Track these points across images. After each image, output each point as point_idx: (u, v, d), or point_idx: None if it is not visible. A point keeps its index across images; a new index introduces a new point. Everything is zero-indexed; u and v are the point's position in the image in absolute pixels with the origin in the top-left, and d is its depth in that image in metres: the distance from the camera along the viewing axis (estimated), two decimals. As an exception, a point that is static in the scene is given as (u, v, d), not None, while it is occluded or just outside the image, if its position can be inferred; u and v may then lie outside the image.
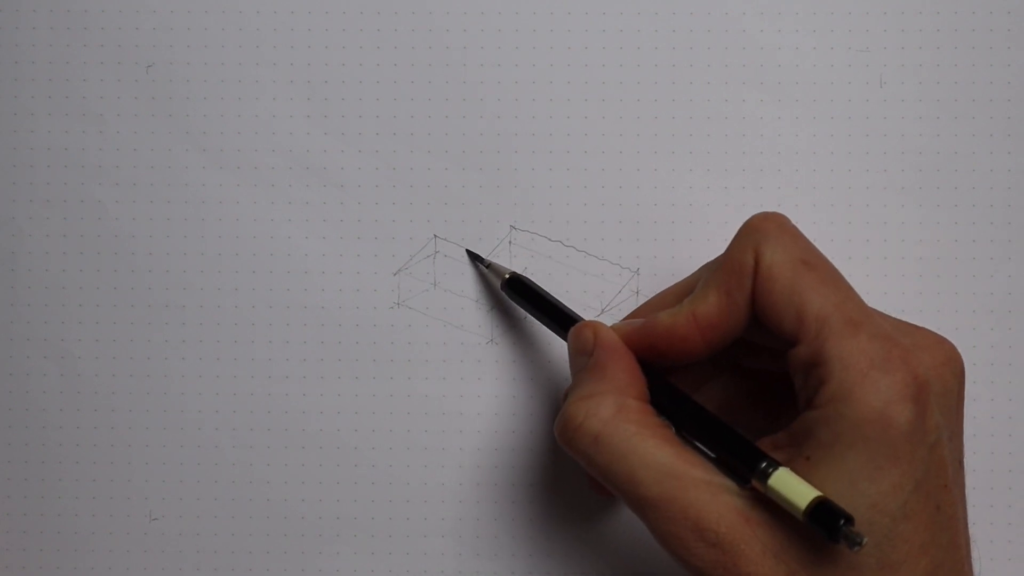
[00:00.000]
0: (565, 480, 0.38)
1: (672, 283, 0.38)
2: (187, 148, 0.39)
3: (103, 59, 0.39)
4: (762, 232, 0.31)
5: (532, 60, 0.39)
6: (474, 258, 0.38)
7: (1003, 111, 0.38)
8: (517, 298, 0.37)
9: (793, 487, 0.27)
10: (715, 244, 0.38)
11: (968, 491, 0.38)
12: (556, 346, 0.38)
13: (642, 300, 0.38)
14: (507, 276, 0.37)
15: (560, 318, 0.35)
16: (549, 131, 0.39)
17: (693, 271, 0.38)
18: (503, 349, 0.39)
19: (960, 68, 0.39)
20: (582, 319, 0.35)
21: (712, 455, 0.30)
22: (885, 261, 0.38)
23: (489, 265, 0.38)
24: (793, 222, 0.31)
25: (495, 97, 0.39)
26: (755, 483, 0.28)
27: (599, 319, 0.38)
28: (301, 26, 0.39)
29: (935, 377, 0.29)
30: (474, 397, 0.39)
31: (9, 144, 0.39)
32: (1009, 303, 0.38)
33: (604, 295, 0.39)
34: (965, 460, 0.31)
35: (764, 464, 0.28)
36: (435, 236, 0.39)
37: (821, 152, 0.39)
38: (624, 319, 0.35)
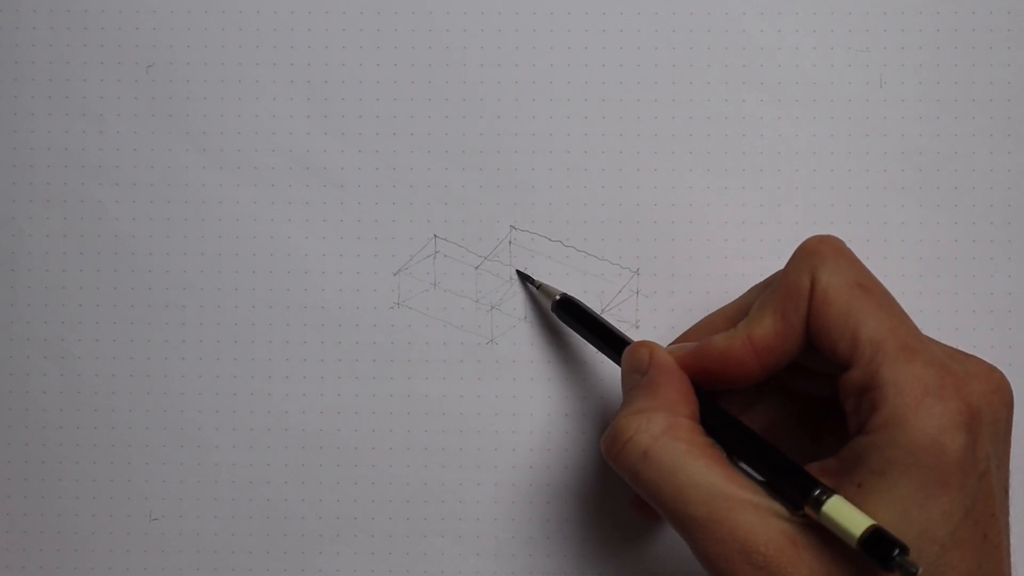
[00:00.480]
0: (565, 480, 0.38)
1: (672, 283, 0.38)
2: (187, 148, 0.39)
3: (103, 59, 0.39)
4: (818, 255, 0.31)
5: (532, 60, 0.39)
6: (524, 279, 0.38)
7: (1003, 111, 0.38)
8: (568, 319, 0.37)
9: (847, 515, 0.27)
10: (715, 244, 0.38)
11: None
12: (556, 347, 0.39)
13: (642, 300, 0.38)
14: (558, 297, 0.37)
15: (612, 339, 0.35)
16: (549, 131, 0.39)
17: (694, 272, 0.38)
18: (503, 349, 0.39)
19: (960, 68, 0.39)
20: (632, 340, 0.35)
21: (761, 479, 0.30)
22: (885, 261, 0.38)
23: (539, 286, 0.38)
24: (848, 245, 0.31)
25: (495, 97, 0.39)
26: (808, 510, 0.28)
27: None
28: (301, 26, 0.39)
29: (986, 406, 0.29)
30: (474, 397, 0.39)
31: (9, 144, 0.39)
32: (1009, 303, 0.38)
33: (604, 295, 0.39)
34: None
35: (817, 491, 0.28)
36: (435, 236, 0.39)
37: (821, 152, 0.39)
38: (673, 342, 0.35)
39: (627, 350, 0.34)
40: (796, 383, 0.34)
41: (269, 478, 0.39)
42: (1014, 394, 0.36)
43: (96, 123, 0.39)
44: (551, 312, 0.37)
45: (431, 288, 0.39)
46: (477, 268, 0.39)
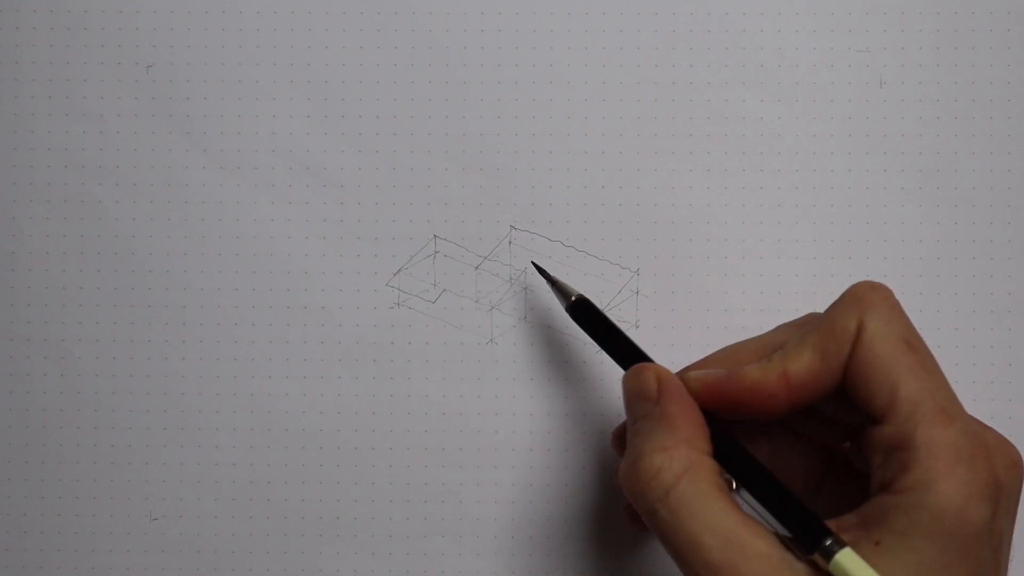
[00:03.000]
0: (565, 480, 0.38)
1: (672, 283, 0.38)
2: (187, 148, 0.39)
3: (103, 59, 0.39)
4: (869, 303, 0.30)
5: (532, 60, 0.39)
6: (541, 273, 0.38)
7: (1003, 111, 0.38)
8: (582, 322, 0.36)
9: (858, 570, 0.27)
10: (715, 244, 0.38)
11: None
12: (556, 346, 0.39)
13: (642, 300, 0.38)
14: (573, 299, 0.36)
15: (625, 350, 0.34)
16: (549, 131, 0.39)
17: (694, 272, 0.38)
18: (503, 349, 0.39)
19: (960, 68, 0.39)
20: (645, 354, 0.34)
21: (772, 520, 0.30)
22: (885, 261, 0.38)
23: (555, 283, 0.37)
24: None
25: (495, 97, 0.39)
26: (816, 557, 0.28)
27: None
28: (301, 26, 0.39)
29: (1007, 480, 0.29)
30: (474, 397, 0.39)
31: (9, 144, 0.39)
32: (1009, 303, 0.38)
33: (604, 295, 0.39)
34: None
35: (829, 542, 0.28)
36: (435, 236, 0.39)
37: (821, 152, 0.39)
38: (687, 368, 0.34)
39: (631, 372, 0.33)
40: (806, 425, 0.33)
41: (269, 478, 0.39)
42: (1006, 389, 0.36)
43: (96, 123, 0.39)
44: (565, 312, 0.37)
45: (431, 288, 0.39)
46: (477, 268, 0.39)
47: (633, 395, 0.33)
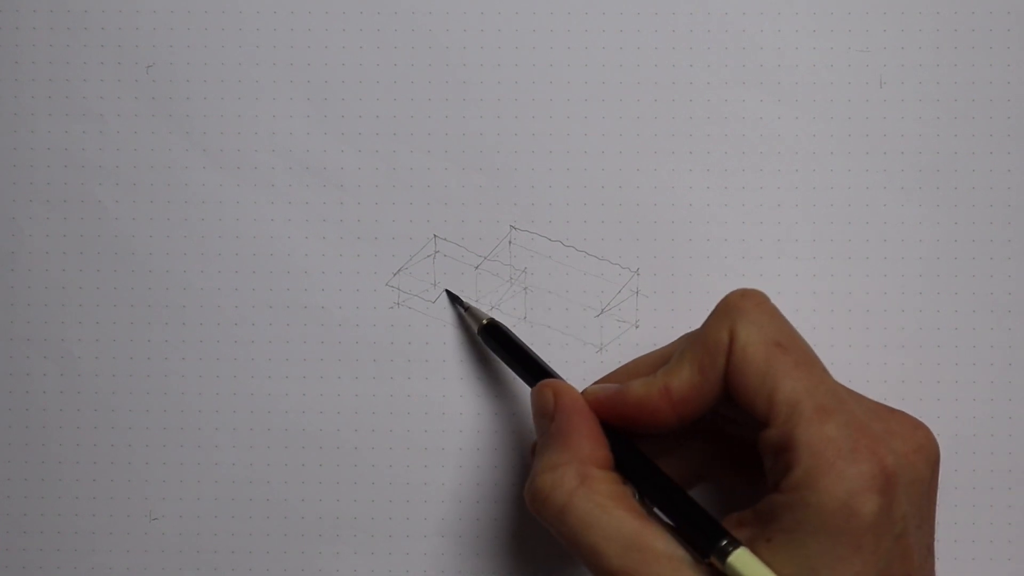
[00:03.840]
0: (565, 480, 0.38)
1: (672, 284, 0.38)
2: (187, 148, 0.39)
3: (103, 59, 0.39)
4: (738, 310, 0.31)
5: (532, 60, 0.39)
6: (453, 299, 0.38)
7: (1003, 111, 0.38)
8: (493, 344, 0.37)
9: (751, 568, 0.28)
10: (715, 244, 0.38)
11: (968, 491, 0.38)
12: (555, 346, 0.39)
13: (642, 300, 0.38)
14: (484, 322, 0.37)
15: (533, 370, 0.35)
16: (549, 131, 0.39)
17: (694, 272, 0.38)
18: (503, 349, 0.39)
19: (960, 68, 0.39)
20: (556, 373, 0.35)
21: (672, 525, 0.30)
22: (885, 261, 0.38)
23: (468, 308, 0.38)
24: (771, 300, 0.31)
25: (495, 97, 0.39)
26: (713, 560, 0.28)
27: (599, 319, 0.38)
28: (301, 26, 0.39)
29: (905, 465, 0.29)
30: (474, 397, 0.39)
31: (9, 144, 0.39)
32: (1009, 303, 0.38)
33: (604, 295, 0.39)
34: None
35: (724, 542, 0.28)
36: (435, 236, 0.39)
37: (821, 152, 0.39)
38: (597, 382, 0.35)
39: (532, 392, 0.33)
40: (728, 426, 0.34)
41: (269, 478, 0.39)
42: (1006, 389, 0.36)
43: (96, 123, 0.39)
44: (477, 336, 0.37)
45: (431, 288, 0.39)
46: (477, 268, 0.39)
47: (535, 413, 0.33)
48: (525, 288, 0.39)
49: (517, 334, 0.38)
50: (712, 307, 0.38)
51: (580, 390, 0.33)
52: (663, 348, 0.34)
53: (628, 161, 0.39)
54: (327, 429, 0.39)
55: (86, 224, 0.39)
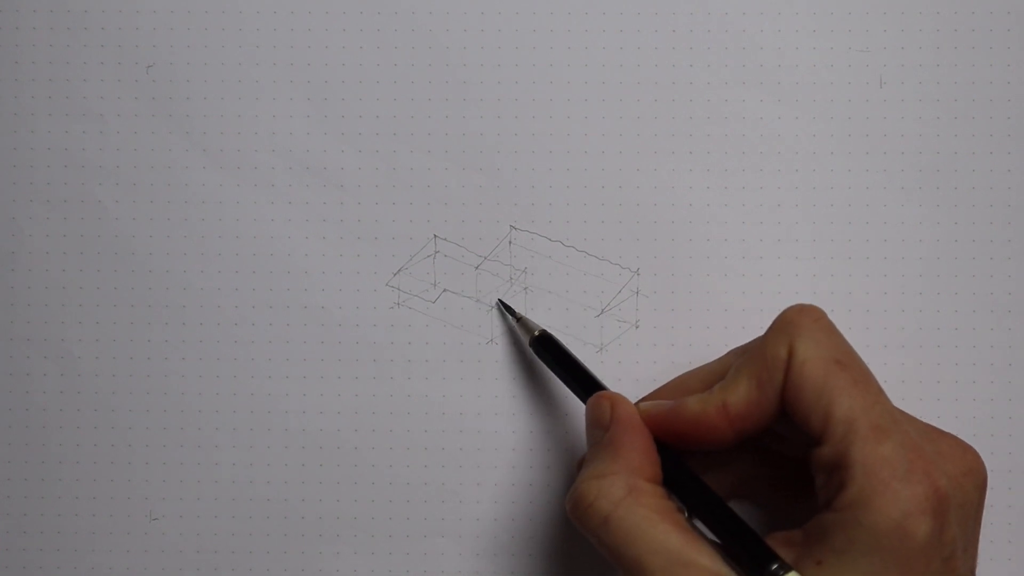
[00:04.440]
0: (565, 480, 0.38)
1: (672, 284, 0.38)
2: (187, 148, 0.39)
3: (103, 59, 0.39)
4: (797, 326, 0.30)
5: (532, 60, 0.39)
6: (505, 309, 0.38)
7: (1003, 111, 0.38)
8: (544, 355, 0.37)
9: None
10: (715, 244, 0.38)
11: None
12: (556, 346, 0.39)
13: (642, 300, 0.38)
14: (536, 333, 0.37)
15: (585, 382, 0.35)
16: (549, 131, 0.39)
17: (694, 272, 0.38)
18: (503, 349, 0.39)
19: (960, 68, 0.39)
20: (605, 387, 0.35)
21: (719, 543, 0.30)
22: (885, 261, 0.38)
23: (520, 319, 0.38)
24: (829, 317, 0.31)
25: (495, 97, 0.39)
26: None
27: (599, 319, 0.38)
28: (301, 26, 0.39)
29: (956, 488, 0.29)
30: (474, 397, 0.39)
31: (9, 144, 0.39)
32: (1009, 303, 0.38)
33: (604, 295, 0.39)
34: None
35: (775, 566, 0.28)
36: (435, 236, 0.39)
37: (821, 152, 0.39)
38: (644, 398, 0.35)
39: (589, 401, 0.33)
40: (776, 444, 0.34)
41: (269, 478, 0.39)
42: (1006, 389, 0.36)
43: (96, 123, 0.39)
44: (528, 347, 0.37)
45: (431, 288, 0.39)
46: (477, 268, 0.39)
47: (589, 423, 0.33)
48: (525, 288, 0.39)
49: (519, 331, 0.38)
50: (712, 307, 0.38)
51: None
52: (710, 364, 0.34)
53: (628, 161, 0.39)
54: (327, 429, 0.39)
55: (86, 224, 0.39)
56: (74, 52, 0.39)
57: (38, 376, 0.39)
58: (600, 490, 0.30)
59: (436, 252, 0.39)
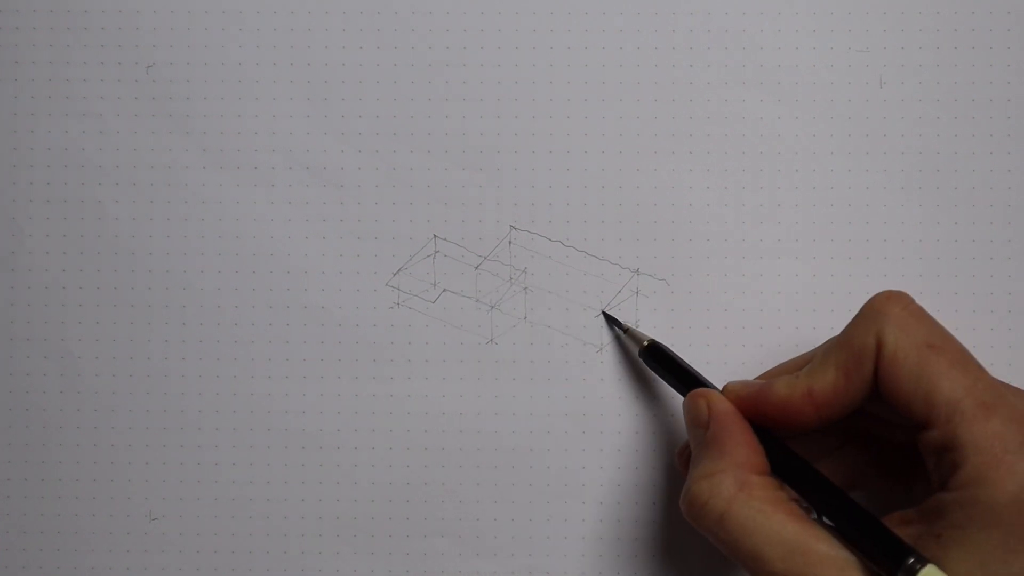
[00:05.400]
0: (565, 480, 0.38)
1: (672, 284, 0.38)
2: (187, 148, 0.39)
3: (103, 59, 0.39)
4: (884, 315, 0.31)
5: (532, 60, 0.39)
6: (611, 322, 0.38)
7: (1003, 111, 0.38)
8: (653, 364, 0.36)
9: None
10: (715, 244, 0.38)
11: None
12: (555, 346, 0.38)
13: (642, 300, 0.38)
14: (645, 344, 0.37)
15: (694, 386, 0.35)
16: (549, 131, 0.39)
17: (694, 272, 0.38)
18: (503, 349, 0.39)
19: (960, 68, 0.39)
20: (715, 387, 0.34)
21: (828, 522, 0.30)
22: (885, 261, 0.38)
23: (627, 331, 0.38)
24: (917, 301, 0.31)
25: (495, 97, 0.39)
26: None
27: (599, 319, 0.38)
28: (301, 26, 0.39)
29: None
30: (474, 397, 0.39)
31: (9, 144, 0.39)
32: (1009, 303, 0.38)
33: (604, 295, 0.39)
34: None
35: (911, 560, 0.28)
36: (435, 236, 0.39)
37: (821, 152, 0.39)
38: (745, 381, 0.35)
39: (684, 402, 0.34)
40: (879, 429, 0.33)
41: (269, 478, 0.39)
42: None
43: (96, 123, 0.39)
44: (638, 358, 0.37)
45: (431, 288, 0.39)
46: (477, 268, 0.39)
47: (688, 423, 0.33)
48: (525, 288, 0.39)
49: (518, 333, 0.38)
50: (712, 307, 0.38)
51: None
52: (809, 352, 0.34)
53: (628, 161, 0.39)
54: (327, 429, 0.39)
55: (86, 224, 0.39)
56: (74, 52, 0.39)
57: (38, 376, 0.39)
58: (711, 489, 0.30)
59: (436, 252, 0.39)
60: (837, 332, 0.36)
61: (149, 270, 0.39)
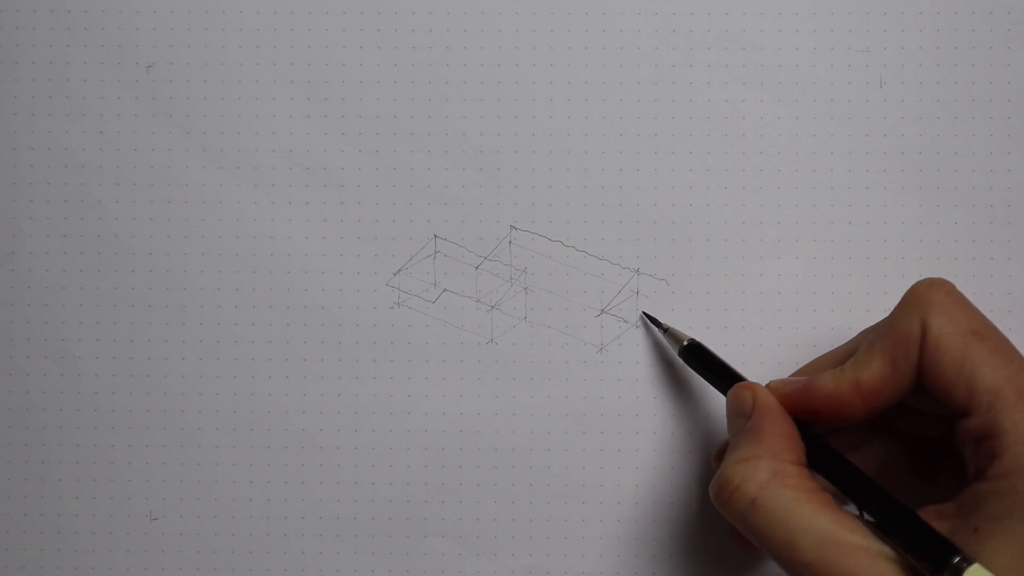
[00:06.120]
0: (565, 480, 0.38)
1: (673, 284, 0.38)
2: (187, 148, 0.39)
3: (103, 59, 0.39)
4: (928, 301, 0.30)
5: (532, 60, 0.39)
6: (652, 321, 0.38)
7: (1003, 111, 0.38)
8: (694, 363, 0.36)
9: None
10: (715, 244, 0.38)
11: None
12: (555, 346, 0.38)
13: (642, 300, 0.38)
14: (685, 343, 0.37)
15: (735, 383, 0.35)
16: (549, 131, 0.39)
17: (694, 272, 0.38)
18: (503, 349, 0.39)
19: (960, 68, 0.39)
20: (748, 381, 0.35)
21: (870, 518, 0.30)
22: (885, 261, 0.38)
23: (667, 330, 0.38)
24: (959, 290, 0.31)
25: (495, 97, 0.39)
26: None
27: (599, 319, 0.38)
28: (301, 26, 0.39)
29: None
30: (474, 397, 0.39)
31: (9, 144, 0.39)
32: (1009, 303, 0.38)
33: (604, 295, 0.39)
34: None
35: (957, 559, 0.28)
36: (435, 236, 0.39)
37: (821, 152, 0.39)
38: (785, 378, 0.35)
39: (731, 392, 0.34)
40: (907, 424, 0.33)
41: (269, 478, 0.39)
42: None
43: (96, 123, 0.39)
44: (678, 357, 0.37)
45: (431, 288, 0.39)
46: (477, 268, 0.39)
47: (731, 413, 0.33)
48: (525, 288, 0.39)
49: (518, 333, 0.38)
50: (712, 307, 0.38)
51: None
52: (846, 345, 0.34)
53: (628, 161, 0.39)
54: (327, 429, 0.39)
55: (86, 224, 0.39)
56: (74, 52, 0.39)
57: (38, 376, 0.39)
58: (746, 474, 0.30)
59: (436, 252, 0.39)
60: (837, 332, 0.36)
61: (149, 270, 0.39)
